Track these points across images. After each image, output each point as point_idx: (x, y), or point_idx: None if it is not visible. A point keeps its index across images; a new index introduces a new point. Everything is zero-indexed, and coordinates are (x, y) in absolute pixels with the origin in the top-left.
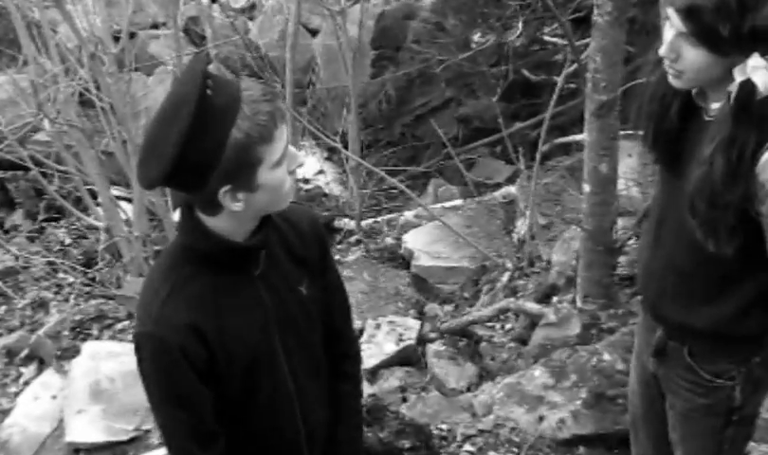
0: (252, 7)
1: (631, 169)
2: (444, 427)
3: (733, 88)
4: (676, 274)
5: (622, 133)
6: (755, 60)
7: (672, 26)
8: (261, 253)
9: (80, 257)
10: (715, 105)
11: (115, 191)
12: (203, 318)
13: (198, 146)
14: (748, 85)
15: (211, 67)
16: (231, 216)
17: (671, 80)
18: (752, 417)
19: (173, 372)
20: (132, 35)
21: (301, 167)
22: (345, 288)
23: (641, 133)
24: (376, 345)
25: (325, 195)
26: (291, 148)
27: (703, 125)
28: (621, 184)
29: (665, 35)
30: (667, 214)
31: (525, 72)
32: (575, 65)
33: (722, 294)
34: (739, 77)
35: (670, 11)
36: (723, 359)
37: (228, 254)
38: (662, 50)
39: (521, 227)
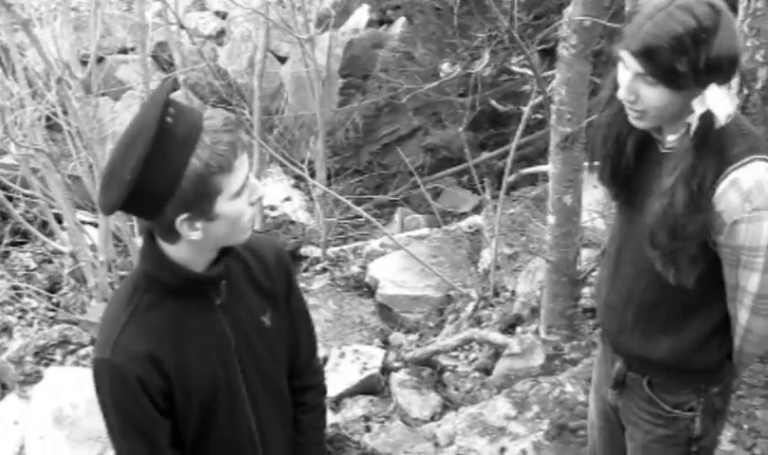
0: (221, 33)
1: (596, 201)
2: None
3: (693, 120)
4: (635, 306)
5: (586, 164)
6: (713, 91)
7: (628, 68)
8: (221, 283)
9: (44, 281)
10: (671, 137)
11: (80, 216)
12: (162, 348)
13: (155, 173)
14: (708, 117)
15: (178, 94)
16: (190, 245)
17: (634, 121)
18: (711, 447)
19: (129, 400)
20: (100, 60)
21: (260, 199)
22: (311, 319)
23: (596, 171)
24: (340, 374)
25: (292, 223)
26: (252, 179)
27: (659, 157)
28: (585, 215)
29: (620, 78)
30: (625, 247)
31: (493, 102)
32: (541, 97)
33: (681, 325)
34: (698, 108)
35: (625, 54)
36: (683, 390)
37: (187, 284)
38: (621, 94)
39: (487, 257)
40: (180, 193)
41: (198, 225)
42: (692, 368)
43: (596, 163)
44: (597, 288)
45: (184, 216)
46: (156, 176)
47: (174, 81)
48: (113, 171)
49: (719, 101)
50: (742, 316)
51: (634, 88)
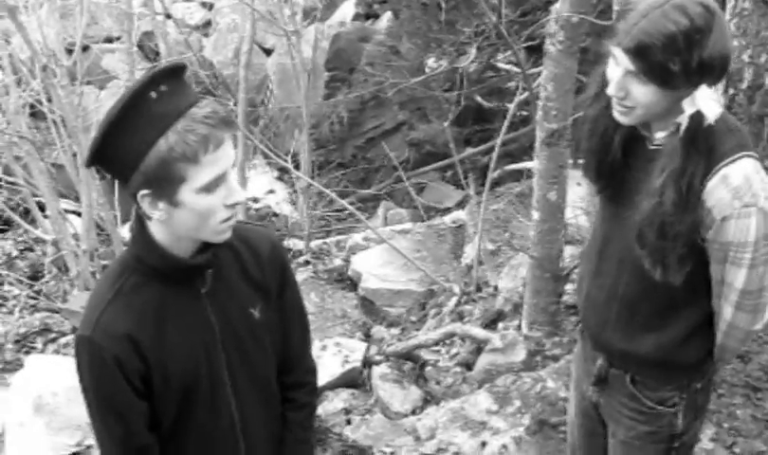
0: (207, 24)
1: (580, 197)
2: (387, 450)
3: (683, 120)
4: (619, 303)
5: (571, 161)
6: (703, 91)
7: (619, 64)
8: (207, 272)
9: (26, 269)
10: (659, 134)
11: (63, 205)
12: (142, 330)
13: (120, 141)
14: (698, 116)
15: (187, 77)
16: (165, 228)
17: (620, 117)
18: (692, 444)
19: (106, 380)
20: (85, 48)
21: (238, 205)
22: (306, 316)
23: (583, 166)
24: (322, 366)
25: (275, 215)
26: (232, 181)
27: (647, 154)
28: (569, 212)
29: (610, 74)
30: (609, 243)
31: (478, 98)
32: (527, 93)
33: (665, 321)
34: (688, 109)
35: (617, 51)
36: (666, 386)
37: (172, 269)
38: (610, 90)
39: (470, 252)
40: (143, 168)
41: (161, 206)
42: (675, 364)
43: (582, 157)
44: (578, 284)
45: (145, 192)
46: (121, 144)
47: (185, 67)
48: (98, 125)
49: (708, 102)
50: (727, 311)
51: (624, 85)
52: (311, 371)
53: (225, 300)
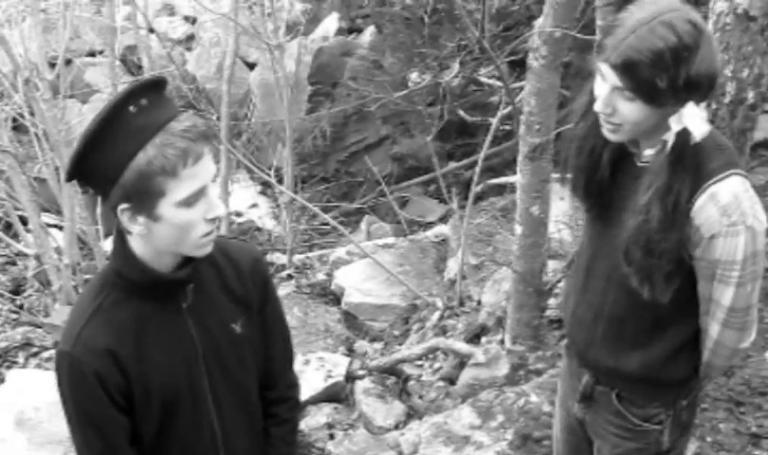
0: (190, 38)
1: (563, 212)
2: None
3: (669, 137)
4: (606, 320)
5: (554, 176)
6: (690, 108)
7: (606, 80)
8: (188, 287)
9: (8, 283)
10: (648, 151)
11: (46, 218)
12: (122, 345)
13: (99, 155)
14: (684, 134)
15: (168, 92)
16: (145, 242)
17: (609, 135)
18: None
19: (86, 394)
20: (68, 62)
21: (218, 219)
22: (288, 331)
23: (570, 184)
24: (305, 381)
25: (258, 229)
26: (212, 196)
27: (635, 171)
28: (552, 227)
29: (597, 90)
30: (596, 260)
31: (461, 112)
32: (509, 107)
33: (652, 338)
34: (675, 126)
35: (604, 67)
36: (652, 403)
37: (153, 283)
38: (597, 106)
39: (453, 266)
40: (123, 182)
41: (140, 220)
42: (662, 381)
43: (569, 175)
44: (565, 300)
45: (125, 206)
46: (100, 158)
47: (164, 81)
48: (78, 139)
49: (695, 119)
50: (713, 329)
51: (612, 101)
52: (293, 385)
53: (206, 315)
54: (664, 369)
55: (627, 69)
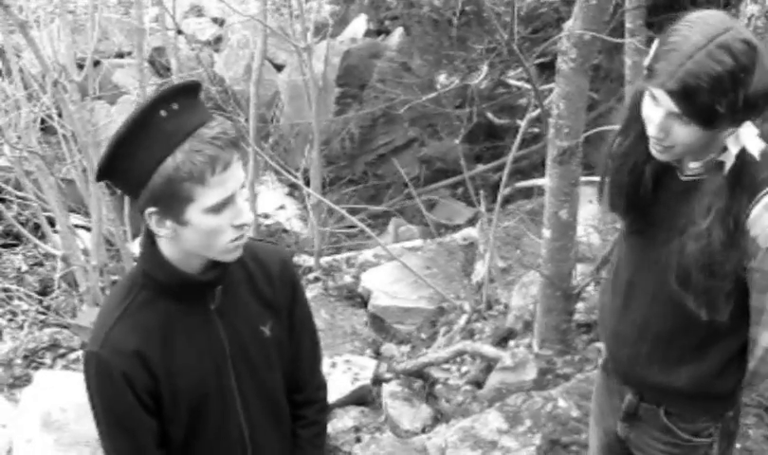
0: (218, 40)
1: (591, 215)
2: None
3: (728, 158)
4: (652, 337)
5: (583, 179)
6: (747, 128)
7: (660, 105)
8: (216, 288)
9: (35, 284)
10: (693, 165)
11: (73, 220)
12: (150, 346)
13: (129, 158)
14: (743, 154)
15: (202, 97)
16: (173, 245)
17: (658, 155)
18: None
19: (114, 396)
20: (96, 63)
21: (248, 227)
22: (317, 334)
23: (609, 200)
24: (332, 384)
25: (285, 231)
26: (241, 202)
27: (679, 186)
28: (581, 230)
29: (650, 114)
30: (638, 278)
31: (489, 115)
32: (538, 110)
33: (702, 353)
34: (732, 147)
35: (659, 93)
36: (701, 417)
37: (181, 285)
38: (651, 131)
39: (480, 269)
40: (151, 186)
41: (168, 224)
42: (712, 395)
43: (609, 192)
44: (601, 318)
45: (152, 209)
46: (130, 161)
47: (199, 85)
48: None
49: (752, 137)
50: (764, 338)
51: (667, 126)
52: (321, 388)
53: (234, 317)
54: (714, 383)
55: (686, 96)
